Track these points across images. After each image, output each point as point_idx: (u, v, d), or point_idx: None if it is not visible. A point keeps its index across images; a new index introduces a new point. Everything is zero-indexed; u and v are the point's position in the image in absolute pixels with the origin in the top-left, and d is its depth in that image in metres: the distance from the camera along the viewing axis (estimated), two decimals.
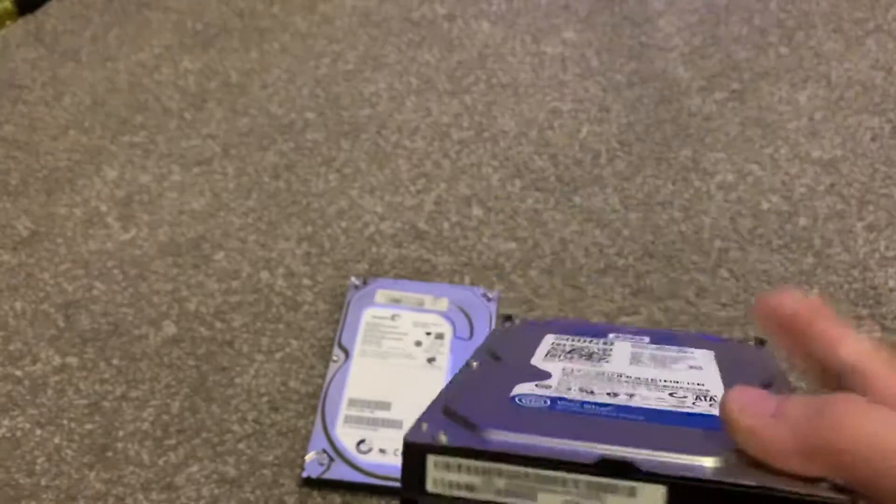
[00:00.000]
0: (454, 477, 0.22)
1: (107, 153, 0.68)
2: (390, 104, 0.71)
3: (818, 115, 0.69)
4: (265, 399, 0.51)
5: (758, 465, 0.20)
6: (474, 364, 0.29)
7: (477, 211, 0.62)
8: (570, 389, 0.25)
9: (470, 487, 0.22)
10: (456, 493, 0.22)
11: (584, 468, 0.21)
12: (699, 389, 0.26)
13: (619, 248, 0.59)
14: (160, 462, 0.48)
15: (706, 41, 0.77)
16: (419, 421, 0.23)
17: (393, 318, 0.53)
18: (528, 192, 0.63)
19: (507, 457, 0.21)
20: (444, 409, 0.24)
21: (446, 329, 0.53)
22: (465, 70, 0.75)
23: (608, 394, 0.25)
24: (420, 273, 0.58)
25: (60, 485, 0.48)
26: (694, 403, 0.24)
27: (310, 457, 0.47)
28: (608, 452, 0.21)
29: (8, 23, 0.82)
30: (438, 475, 0.22)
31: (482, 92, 0.72)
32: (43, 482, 0.48)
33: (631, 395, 0.25)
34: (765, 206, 0.62)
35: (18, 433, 0.50)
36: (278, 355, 0.54)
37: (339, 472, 0.46)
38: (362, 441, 0.47)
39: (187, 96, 0.73)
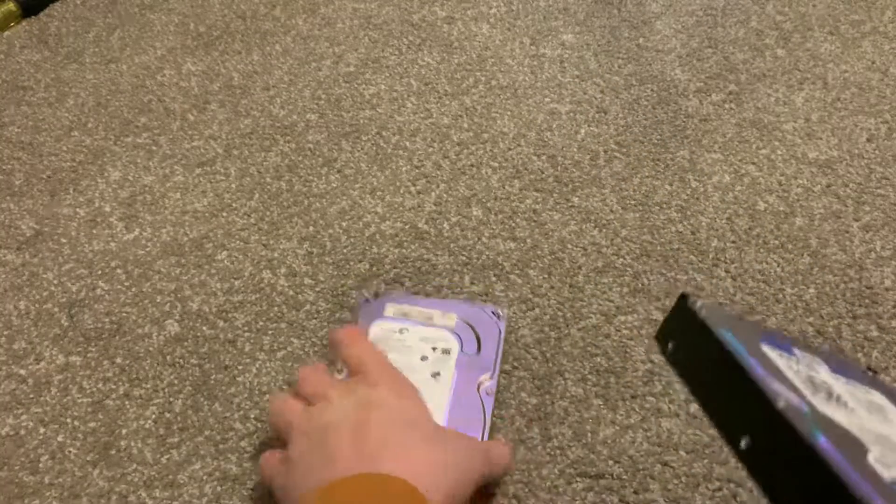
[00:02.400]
0: None
1: (110, 154, 0.69)
2: (391, 106, 0.72)
3: (814, 116, 0.70)
4: (267, 397, 0.52)
5: None
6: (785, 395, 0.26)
7: (476, 211, 0.63)
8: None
9: None
10: None
11: None
12: None
13: (616, 248, 0.60)
14: (163, 460, 0.49)
15: (703, 43, 0.77)
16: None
17: (401, 331, 0.53)
18: (526, 193, 0.64)
19: None
20: None
21: (453, 345, 0.52)
22: (465, 72, 0.75)
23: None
24: (420, 273, 0.58)
25: (64, 482, 0.48)
26: None
27: None
28: None
29: (12, 25, 0.83)
30: None
31: (481, 94, 0.73)
32: (46, 480, 0.48)
33: None
34: (761, 206, 0.62)
35: (22, 431, 0.51)
36: (280, 354, 0.54)
37: None
38: None
39: (190, 98, 0.74)
